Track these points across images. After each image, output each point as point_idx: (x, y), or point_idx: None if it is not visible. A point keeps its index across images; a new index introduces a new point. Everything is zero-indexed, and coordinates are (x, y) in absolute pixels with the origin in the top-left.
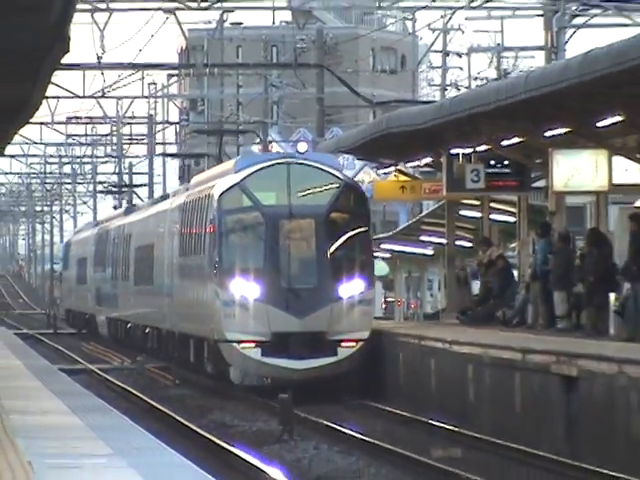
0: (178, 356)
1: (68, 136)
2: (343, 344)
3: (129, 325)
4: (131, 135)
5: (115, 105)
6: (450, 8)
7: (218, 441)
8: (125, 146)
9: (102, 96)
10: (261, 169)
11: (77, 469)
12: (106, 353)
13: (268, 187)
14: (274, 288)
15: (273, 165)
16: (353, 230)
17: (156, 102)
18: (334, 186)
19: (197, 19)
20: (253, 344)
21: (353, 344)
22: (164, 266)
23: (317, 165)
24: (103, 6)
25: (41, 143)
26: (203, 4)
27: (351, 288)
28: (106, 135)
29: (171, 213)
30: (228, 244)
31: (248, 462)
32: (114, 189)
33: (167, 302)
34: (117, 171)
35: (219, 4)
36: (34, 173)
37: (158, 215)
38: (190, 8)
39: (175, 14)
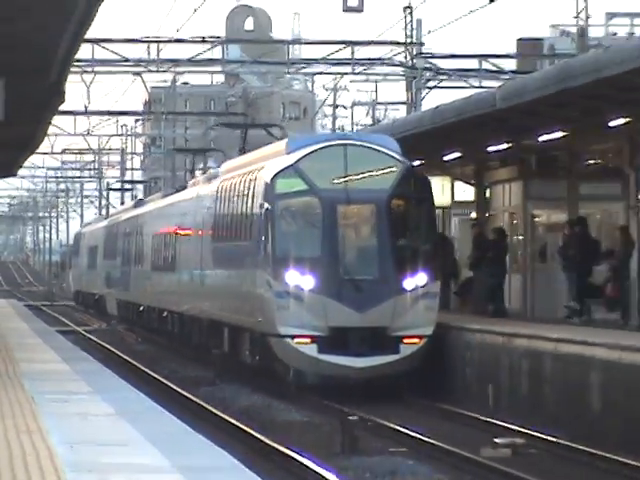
0: (205, 341)
1: (63, 162)
2: (406, 340)
3: (141, 308)
4: (108, 162)
5: (97, 140)
6: (339, 73)
7: (167, 382)
8: (104, 170)
9: (87, 134)
10: (317, 150)
11: (66, 402)
12: (89, 319)
13: (325, 169)
14: (332, 279)
15: (329, 146)
16: (417, 217)
17: (126, 139)
18: (395, 169)
19: (157, 79)
20: (309, 339)
21: (416, 340)
22: (190, 252)
23: (376, 147)
24: (89, 69)
25: (43, 167)
26: (161, 69)
27: (415, 280)
28: (90, 162)
29: (199, 200)
30: (282, 231)
31: (185, 396)
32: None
33: (193, 288)
34: (98, 188)
35: (173, 68)
36: (38, 189)
37: (179, 204)
38: (151, 71)
39: (141, 76)
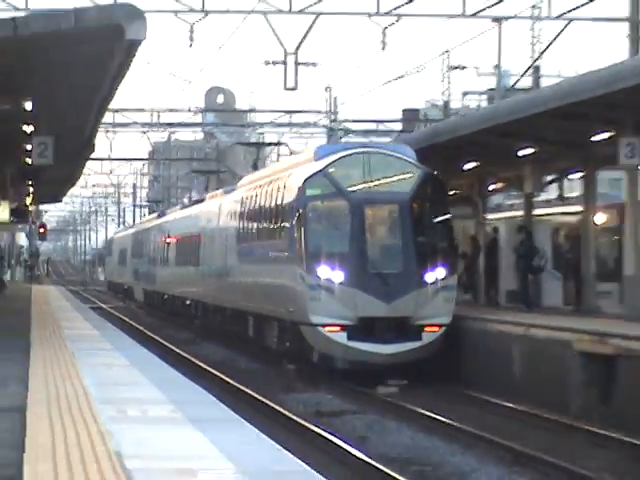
0: (227, 327)
1: (93, 193)
2: (427, 329)
3: (165, 296)
4: (124, 193)
5: (117, 178)
6: (282, 131)
7: (165, 342)
8: (121, 198)
9: (110, 173)
10: (343, 157)
11: (96, 356)
12: (111, 299)
13: (351, 174)
14: (361, 273)
15: (355, 154)
16: (435, 217)
17: (137, 176)
18: (414, 174)
19: (158, 136)
20: (339, 328)
21: (436, 329)
22: (214, 251)
23: (396, 155)
24: (111, 129)
25: (79, 196)
26: (160, 129)
27: (435, 274)
28: (112, 193)
29: (224, 207)
30: (313, 230)
31: (178, 352)
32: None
33: (219, 281)
34: (117, 210)
35: (169, 129)
36: (76, 210)
37: (202, 212)
38: (154, 131)
39: (147, 134)
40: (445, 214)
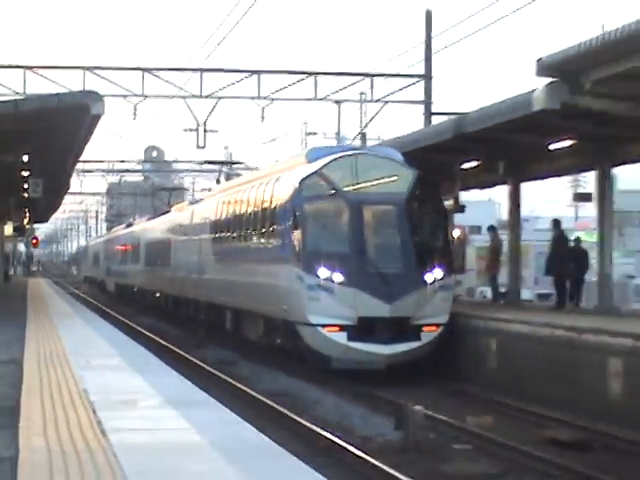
0: (199, 317)
1: (69, 216)
2: (425, 329)
3: (135, 289)
4: (90, 216)
5: (85, 206)
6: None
7: (114, 313)
8: (88, 219)
9: (80, 203)
10: (337, 159)
11: (70, 326)
12: (81, 287)
13: (347, 175)
14: (361, 273)
15: (348, 155)
16: (431, 217)
17: (98, 205)
18: (409, 176)
19: (112, 179)
20: (338, 328)
21: (434, 328)
22: (185, 252)
23: (389, 157)
24: (82, 175)
25: (59, 218)
26: (112, 174)
27: (433, 274)
28: (82, 216)
29: (195, 214)
30: (311, 230)
31: (122, 320)
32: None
33: (187, 278)
34: (85, 227)
35: (119, 175)
36: (57, 228)
37: (172, 220)
38: (111, 174)
39: (105, 178)
40: (440, 214)
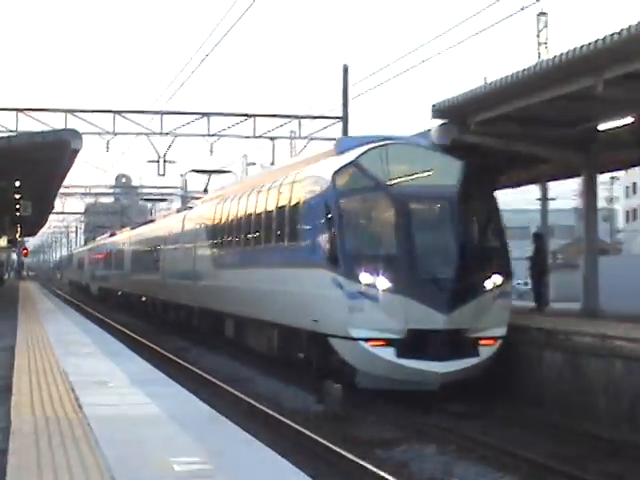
0: (191, 323)
1: (53, 231)
2: (483, 342)
3: (119, 292)
4: (69, 231)
5: (66, 222)
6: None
7: (90, 309)
8: (69, 233)
9: (62, 220)
10: (375, 148)
11: (53, 319)
12: (65, 289)
13: (388, 166)
14: (412, 278)
15: (388, 145)
16: (486, 214)
17: (77, 222)
18: (459, 167)
19: (89, 200)
20: (384, 342)
21: (492, 342)
22: (176, 258)
23: (432, 147)
24: (63, 198)
25: (45, 233)
26: (88, 196)
27: (492, 279)
28: (64, 231)
29: (188, 220)
30: (350, 228)
31: (97, 316)
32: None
33: (180, 284)
34: (66, 240)
35: (95, 198)
36: (44, 241)
37: (156, 229)
38: (90, 197)
39: (83, 199)
40: (495, 211)
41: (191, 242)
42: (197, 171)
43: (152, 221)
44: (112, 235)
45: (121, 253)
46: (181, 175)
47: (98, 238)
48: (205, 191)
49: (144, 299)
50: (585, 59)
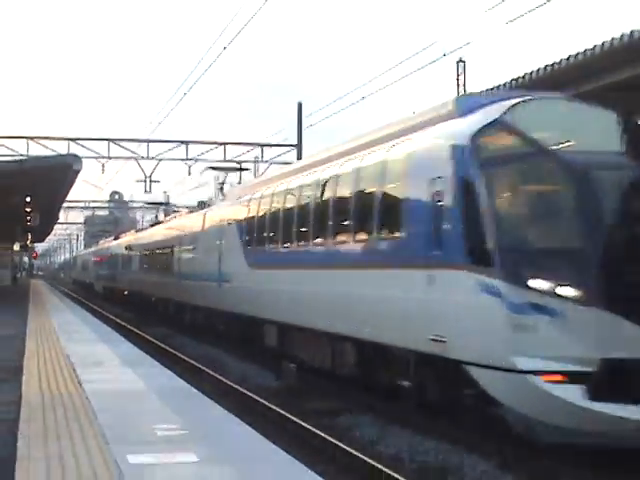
0: (212, 326)
1: (58, 238)
2: None
3: (125, 292)
4: (71, 239)
5: (69, 231)
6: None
7: (93, 304)
8: (72, 240)
9: (66, 229)
10: (527, 102)
11: (59, 312)
12: (68, 286)
13: (549, 126)
14: (612, 284)
15: (543, 99)
16: None
17: (78, 231)
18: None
19: (87, 213)
20: (567, 377)
21: None
22: (195, 258)
23: (600, 106)
24: (65, 209)
25: (51, 240)
26: (87, 209)
27: None
28: (67, 238)
29: (211, 217)
30: (507, 211)
31: (102, 313)
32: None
33: (196, 285)
34: (70, 246)
35: (92, 211)
36: (50, 246)
37: (169, 230)
38: (86, 211)
39: (83, 212)
40: None
41: (215, 241)
42: (213, 168)
43: (159, 223)
44: (117, 238)
45: (128, 254)
46: (164, 192)
47: (101, 241)
48: (221, 190)
49: (153, 299)
50: None
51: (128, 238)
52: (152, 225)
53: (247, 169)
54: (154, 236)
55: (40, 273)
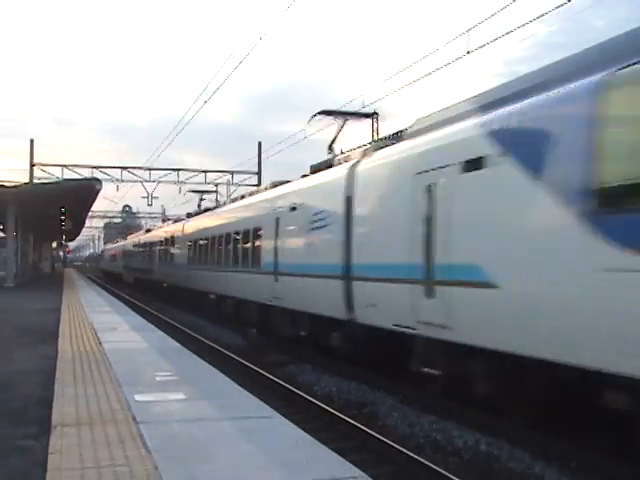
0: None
1: (85, 238)
2: None
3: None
4: (97, 238)
5: (92, 232)
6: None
7: (115, 290)
8: (95, 241)
9: (90, 232)
10: None
11: (87, 292)
12: (93, 271)
13: None
14: None
15: None
16: None
17: (100, 233)
18: None
19: (107, 220)
20: None
21: None
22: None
23: None
24: (89, 217)
25: (79, 239)
26: (107, 218)
27: None
28: (90, 239)
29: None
30: None
31: (118, 293)
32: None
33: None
34: (93, 244)
35: (109, 219)
36: (79, 243)
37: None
38: (105, 219)
39: (103, 220)
40: None
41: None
42: (194, 191)
43: (207, 210)
44: (148, 231)
45: (168, 246)
46: (162, 206)
47: (130, 236)
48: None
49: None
50: None
51: (170, 228)
52: (202, 212)
53: (214, 191)
54: (204, 225)
55: (78, 263)
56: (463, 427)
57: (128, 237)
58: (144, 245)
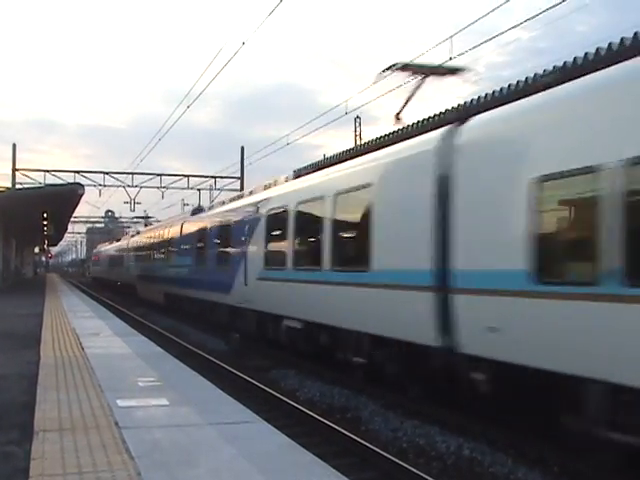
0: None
1: (66, 244)
2: None
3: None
4: (77, 244)
5: (74, 238)
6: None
7: (94, 294)
8: (78, 246)
9: (72, 237)
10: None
11: (68, 297)
12: (81, 278)
13: None
14: None
15: None
16: None
17: (83, 239)
18: None
19: (89, 225)
20: None
21: None
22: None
23: None
24: (72, 222)
25: (61, 245)
26: (90, 223)
27: None
28: (74, 244)
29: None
30: None
31: (98, 297)
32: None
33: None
34: (78, 249)
35: (92, 224)
36: (63, 248)
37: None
38: (88, 223)
39: (86, 225)
40: None
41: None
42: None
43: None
44: (133, 236)
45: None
46: (144, 211)
47: (121, 239)
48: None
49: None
50: None
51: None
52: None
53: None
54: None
55: (67, 269)
56: (446, 432)
57: (141, 232)
58: (201, 238)
